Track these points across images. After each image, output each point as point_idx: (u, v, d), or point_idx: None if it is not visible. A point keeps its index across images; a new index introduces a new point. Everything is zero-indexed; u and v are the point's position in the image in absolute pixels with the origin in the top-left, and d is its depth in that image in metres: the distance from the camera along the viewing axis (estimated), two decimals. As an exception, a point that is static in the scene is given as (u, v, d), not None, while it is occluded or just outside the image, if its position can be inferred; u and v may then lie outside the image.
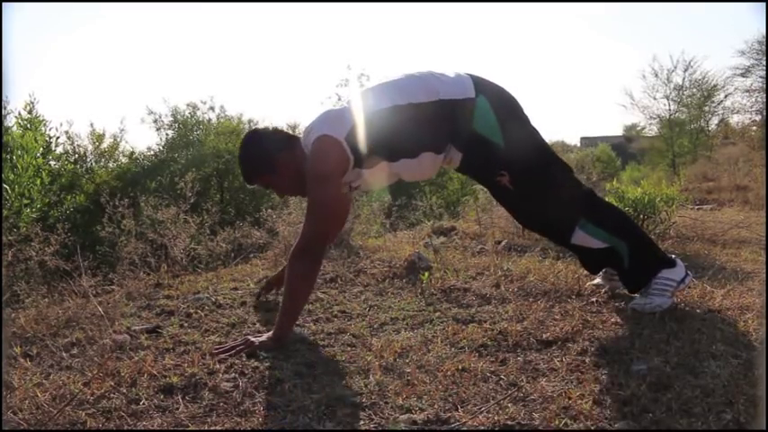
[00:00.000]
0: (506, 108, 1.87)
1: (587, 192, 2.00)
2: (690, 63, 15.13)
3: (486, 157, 1.84)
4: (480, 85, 1.84)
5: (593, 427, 1.18)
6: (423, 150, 1.84)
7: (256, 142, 1.90)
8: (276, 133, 1.92)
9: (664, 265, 1.91)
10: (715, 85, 14.95)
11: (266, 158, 1.85)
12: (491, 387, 1.41)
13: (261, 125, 11.64)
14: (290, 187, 1.94)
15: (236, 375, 1.53)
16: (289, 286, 1.76)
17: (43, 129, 6.50)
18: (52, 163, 6.98)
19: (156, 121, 9.71)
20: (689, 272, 1.94)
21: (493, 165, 1.86)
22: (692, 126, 15.61)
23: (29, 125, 6.06)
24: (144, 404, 1.36)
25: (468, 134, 1.81)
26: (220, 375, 1.52)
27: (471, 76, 1.86)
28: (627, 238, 1.92)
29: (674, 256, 2.01)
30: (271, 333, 1.75)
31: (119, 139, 8.68)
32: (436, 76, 1.83)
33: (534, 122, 1.96)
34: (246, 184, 1.99)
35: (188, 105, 10.00)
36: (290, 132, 1.93)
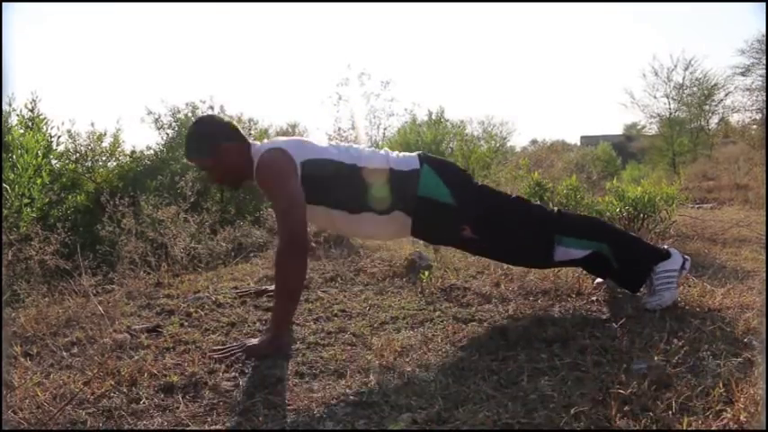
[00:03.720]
0: (451, 171, 2.01)
1: (553, 210, 2.08)
2: (690, 62, 15.10)
3: (441, 217, 1.94)
4: (425, 157, 2.01)
5: (592, 427, 1.18)
6: (364, 210, 1.93)
7: (207, 124, 1.98)
8: (230, 126, 1.96)
9: (658, 258, 1.95)
10: (715, 84, 14.93)
11: (211, 141, 1.90)
12: (491, 386, 1.41)
13: (261, 125, 11.62)
14: (223, 176, 1.98)
15: (237, 375, 1.53)
16: (281, 286, 1.73)
17: (45, 128, 6.49)
18: (53, 162, 6.97)
19: (156, 121, 9.71)
20: (685, 257, 1.99)
21: (451, 223, 1.96)
22: (693, 125, 15.59)
23: (31, 123, 6.05)
24: (144, 403, 1.36)
25: (415, 199, 1.92)
26: (221, 375, 1.52)
27: (419, 153, 2.04)
28: (605, 239, 1.98)
29: (665, 246, 2.06)
30: (267, 336, 1.74)
31: (119, 138, 8.66)
32: (390, 153, 2.00)
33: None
34: (185, 159, 2.05)
35: (187, 105, 10.00)
36: (244, 134, 1.98)
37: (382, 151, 2.01)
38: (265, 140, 1.98)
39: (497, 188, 2.22)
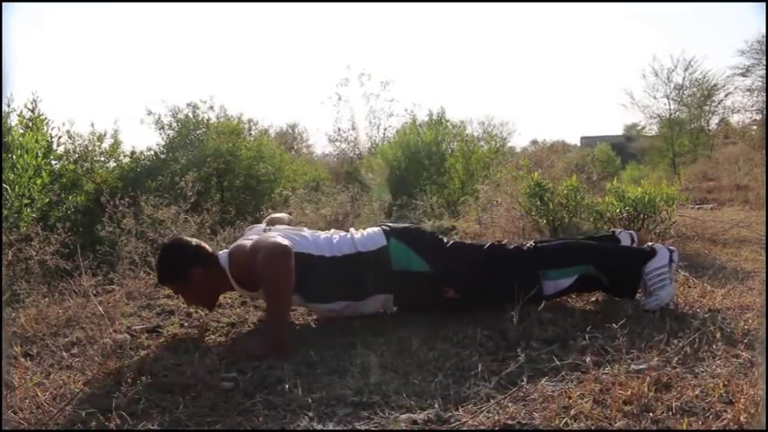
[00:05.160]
0: (419, 238, 2.02)
1: (531, 247, 2.06)
2: (690, 62, 15.08)
3: (420, 286, 1.94)
4: (390, 230, 2.01)
5: (593, 427, 1.18)
6: (339, 300, 1.93)
7: (175, 251, 1.99)
8: (197, 248, 1.96)
9: (644, 259, 1.94)
10: (715, 85, 14.92)
11: (180, 268, 1.91)
12: (491, 386, 1.41)
13: (261, 125, 11.61)
14: (195, 299, 2.01)
15: (237, 375, 1.53)
16: (269, 287, 1.74)
17: (45, 128, 6.49)
18: (53, 162, 6.98)
19: (157, 122, 9.72)
20: (671, 248, 1.98)
21: (432, 289, 1.95)
22: (693, 125, 15.57)
23: (31, 124, 6.06)
24: (144, 403, 1.36)
25: (391, 276, 1.93)
26: (221, 375, 1.52)
27: (383, 227, 2.04)
28: (590, 261, 1.97)
29: (649, 244, 2.05)
30: (267, 337, 1.73)
31: (118, 139, 8.67)
32: (354, 235, 2.00)
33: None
34: (159, 282, 2.10)
35: (188, 105, 10.00)
36: (210, 251, 1.98)
37: (348, 235, 2.00)
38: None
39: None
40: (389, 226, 2.06)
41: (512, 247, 2.08)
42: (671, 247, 1.99)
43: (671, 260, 1.95)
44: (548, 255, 2.02)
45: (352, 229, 2.06)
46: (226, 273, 1.89)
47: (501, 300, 1.91)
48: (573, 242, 2.25)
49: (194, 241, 2.01)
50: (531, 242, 2.11)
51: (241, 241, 1.95)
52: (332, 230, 2.09)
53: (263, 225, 2.21)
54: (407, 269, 1.93)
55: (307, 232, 2.02)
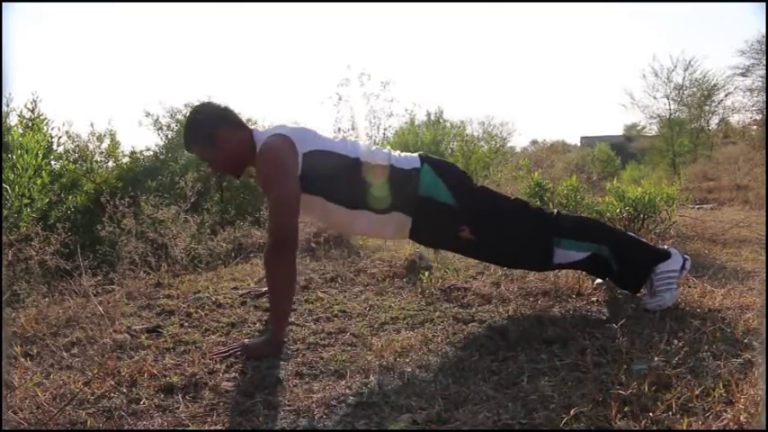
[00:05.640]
0: (451, 172, 2.01)
1: (552, 213, 2.07)
2: (690, 62, 15.09)
3: (440, 217, 1.94)
4: (425, 157, 2.02)
5: (593, 427, 1.18)
6: (362, 207, 1.91)
7: (204, 112, 1.93)
8: (227, 112, 1.92)
9: (658, 259, 1.95)
10: (715, 85, 14.93)
11: (208, 130, 1.87)
12: (491, 386, 1.41)
13: (260, 125, 11.62)
14: (222, 164, 1.95)
15: (237, 375, 1.53)
16: (273, 285, 1.73)
17: (45, 128, 6.50)
18: (53, 163, 6.99)
19: (155, 122, 9.72)
20: (685, 256, 1.99)
21: (450, 223, 1.95)
22: (693, 125, 15.58)
23: (31, 124, 6.07)
24: (144, 404, 1.36)
25: (415, 199, 1.92)
26: (221, 375, 1.52)
27: (420, 154, 2.04)
28: (605, 242, 1.97)
29: (666, 246, 2.06)
30: (267, 337, 1.74)
31: (116, 139, 8.68)
32: (392, 152, 2.00)
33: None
34: (185, 150, 2.04)
35: (186, 105, 10.00)
36: (243, 120, 1.95)
37: (385, 149, 2.01)
38: (271, 125, 1.97)
39: (497, 189, 2.23)
40: (426, 154, 2.06)
41: (535, 206, 2.11)
42: (686, 255, 2.00)
43: (683, 267, 1.95)
44: (567, 224, 2.03)
45: (389, 148, 2.06)
46: (255, 150, 1.85)
47: (510, 253, 1.96)
48: (595, 220, 2.29)
49: (223, 105, 1.95)
50: (555, 210, 2.13)
51: (274, 141, 1.82)
52: (370, 141, 2.12)
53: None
54: (433, 197, 1.92)
55: (344, 141, 1.99)
